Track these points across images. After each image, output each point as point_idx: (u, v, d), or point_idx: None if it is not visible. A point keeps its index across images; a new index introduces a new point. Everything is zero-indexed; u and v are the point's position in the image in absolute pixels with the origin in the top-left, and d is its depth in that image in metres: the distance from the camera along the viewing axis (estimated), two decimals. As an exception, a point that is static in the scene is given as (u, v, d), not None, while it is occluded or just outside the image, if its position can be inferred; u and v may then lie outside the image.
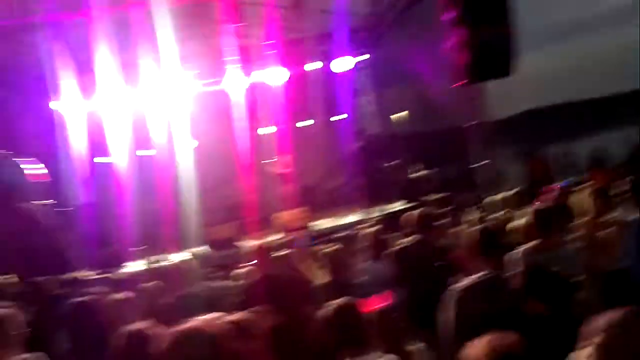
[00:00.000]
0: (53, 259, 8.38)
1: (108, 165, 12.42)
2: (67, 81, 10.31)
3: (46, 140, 11.32)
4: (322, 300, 4.85)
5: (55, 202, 10.74)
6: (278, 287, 4.65)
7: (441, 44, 10.57)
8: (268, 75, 12.38)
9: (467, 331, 3.29)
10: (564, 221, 4.95)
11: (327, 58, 13.10)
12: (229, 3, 11.75)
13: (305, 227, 10.79)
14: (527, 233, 4.75)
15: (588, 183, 6.58)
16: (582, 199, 5.77)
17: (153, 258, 9.98)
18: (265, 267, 5.00)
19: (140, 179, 10.80)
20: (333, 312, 3.13)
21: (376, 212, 10.81)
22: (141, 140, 11.51)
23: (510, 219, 5.51)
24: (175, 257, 10.33)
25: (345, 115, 14.45)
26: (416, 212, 5.49)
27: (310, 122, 15.08)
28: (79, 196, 10.90)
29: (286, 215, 11.50)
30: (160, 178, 10.95)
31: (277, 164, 12.35)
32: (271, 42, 12.50)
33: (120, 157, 10.78)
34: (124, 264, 9.46)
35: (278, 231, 10.92)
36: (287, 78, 12.58)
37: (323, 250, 6.59)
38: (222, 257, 8.01)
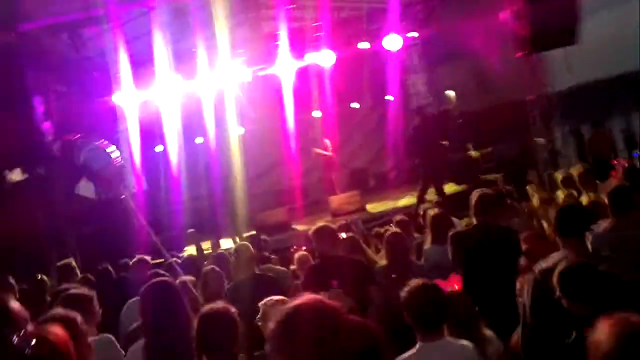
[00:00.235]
0: (112, 243, 8.50)
1: (162, 153, 12.57)
2: (125, 73, 10.40)
3: (105, 131, 11.50)
4: (383, 283, 4.70)
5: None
6: (340, 269, 4.51)
7: (498, 14, 10.11)
8: (318, 57, 12.15)
9: (549, 316, 3.05)
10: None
11: (377, 37, 12.72)
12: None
13: (357, 211, 10.58)
14: (601, 211, 4.43)
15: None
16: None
17: (207, 243, 10.04)
18: (325, 250, 4.79)
19: (193, 166, 10.83)
20: (415, 292, 2.95)
21: (431, 194, 10.48)
22: (193, 128, 11.53)
23: (580, 197, 5.14)
24: (227, 243, 10.45)
25: (393, 97, 14.12)
26: (475, 194, 5.10)
27: (361, 104, 14.80)
28: (136, 184, 11.03)
29: (337, 199, 11.33)
30: (212, 165, 10.96)
31: (327, 147, 12.14)
32: (320, 23, 12.25)
33: (173, 145, 10.83)
34: (179, 249, 9.52)
35: (329, 215, 10.79)
36: (336, 60, 12.32)
37: (380, 233, 6.39)
38: (275, 241, 7.90)
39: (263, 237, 7.39)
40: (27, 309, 1.90)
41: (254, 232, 8.05)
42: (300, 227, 10.80)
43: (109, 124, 10.97)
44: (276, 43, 11.57)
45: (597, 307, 2.69)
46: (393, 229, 5.86)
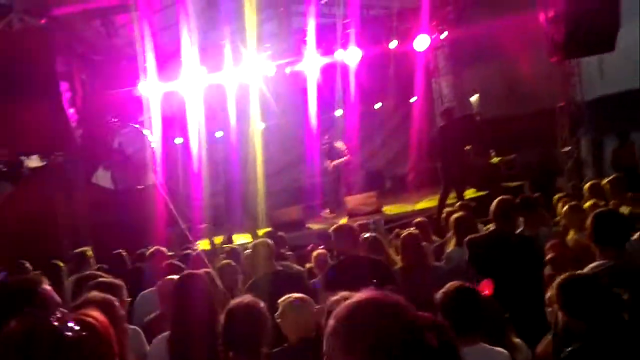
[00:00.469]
0: (128, 233, 8.46)
1: (182, 146, 12.54)
2: (152, 63, 10.38)
3: (127, 120, 11.51)
4: (401, 284, 4.56)
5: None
6: (360, 269, 4.39)
7: (531, 17, 9.89)
8: (344, 55, 12.02)
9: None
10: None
11: (405, 37, 12.55)
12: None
13: (374, 212, 10.43)
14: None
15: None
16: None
17: (223, 237, 9.96)
18: (345, 249, 4.67)
19: (212, 160, 10.77)
20: (452, 294, 2.81)
21: (451, 198, 10.28)
22: (214, 121, 11.47)
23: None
24: (240, 238, 10.37)
25: (417, 98, 13.92)
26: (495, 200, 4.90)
27: (384, 104, 14.63)
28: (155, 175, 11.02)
29: (354, 200, 11.20)
30: (230, 159, 10.89)
31: (341, 151, 11.96)
32: (349, 20, 12.13)
33: (194, 138, 10.78)
34: (194, 242, 9.45)
35: (346, 215, 10.66)
36: (362, 58, 12.17)
37: (400, 235, 6.24)
38: (289, 239, 7.79)
39: (280, 234, 7.28)
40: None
41: (270, 229, 7.95)
42: (315, 226, 10.71)
43: (132, 113, 10.94)
44: (304, 39, 11.45)
45: (591, 325, 2.64)
46: (412, 230, 5.70)
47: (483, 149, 11.89)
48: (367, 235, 5.24)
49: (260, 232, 8.53)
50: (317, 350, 3.06)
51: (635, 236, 4.01)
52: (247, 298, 2.89)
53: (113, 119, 10.47)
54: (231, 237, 10.24)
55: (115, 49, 10.01)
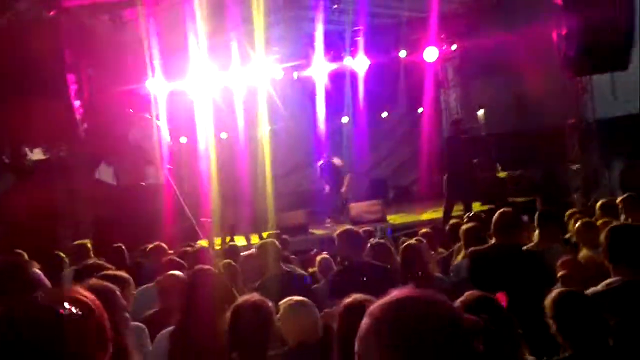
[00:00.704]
0: (128, 229, 8.37)
1: (187, 145, 12.46)
2: (159, 60, 10.32)
3: (130, 123, 11.45)
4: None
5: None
6: (366, 276, 4.29)
7: (543, 32, 9.83)
8: (353, 62, 11.97)
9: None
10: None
11: (414, 47, 12.51)
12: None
13: (377, 220, 10.32)
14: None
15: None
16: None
17: (225, 237, 9.85)
18: (350, 254, 4.56)
19: (219, 161, 10.67)
20: (471, 303, 2.68)
21: (456, 211, 10.17)
22: (220, 122, 11.39)
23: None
24: (243, 240, 10.27)
25: (424, 109, 13.85)
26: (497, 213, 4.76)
27: (390, 113, 14.56)
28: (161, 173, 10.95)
29: (358, 207, 11.10)
30: (236, 161, 10.80)
31: (338, 165, 11.85)
32: (358, 28, 12.09)
33: (202, 138, 10.70)
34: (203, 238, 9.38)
35: (349, 222, 10.53)
36: (370, 66, 12.12)
37: (404, 244, 6.13)
38: (293, 243, 7.68)
39: (284, 236, 7.17)
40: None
41: (275, 231, 7.85)
42: (317, 232, 10.61)
43: (138, 110, 10.87)
44: (313, 44, 11.40)
45: (577, 346, 2.69)
46: (417, 240, 5.60)
47: (489, 162, 11.80)
48: (373, 240, 5.13)
49: (264, 234, 8.43)
50: (316, 356, 2.96)
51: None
52: (254, 296, 2.77)
53: (129, 110, 10.39)
54: (233, 238, 10.13)
55: (123, 44, 9.93)
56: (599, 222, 5.40)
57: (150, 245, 6.35)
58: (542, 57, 10.67)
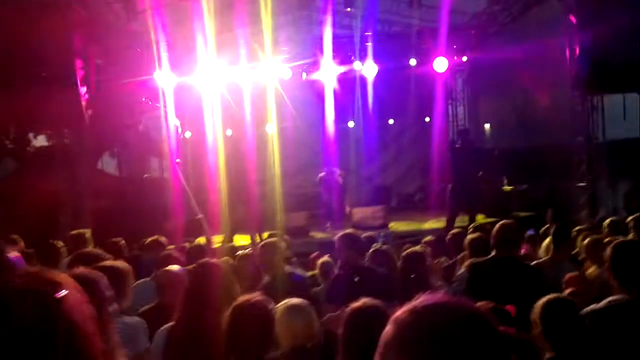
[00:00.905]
0: (129, 221, 8.29)
1: (192, 140, 12.39)
2: (169, 53, 10.27)
3: (140, 109, 11.39)
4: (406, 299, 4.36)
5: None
6: (366, 281, 4.21)
7: (556, 50, 9.79)
8: (362, 67, 11.92)
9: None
10: None
11: (424, 56, 12.46)
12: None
13: (380, 227, 10.24)
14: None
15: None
16: None
17: (224, 236, 9.76)
18: (351, 258, 4.48)
19: (224, 157, 10.60)
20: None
21: (459, 221, 10.09)
22: (228, 118, 11.33)
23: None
24: (243, 239, 10.19)
25: (430, 119, 13.79)
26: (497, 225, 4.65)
27: (397, 120, 14.51)
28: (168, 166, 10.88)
29: (361, 212, 11.01)
30: (242, 157, 10.72)
31: (337, 178, 11.76)
32: (369, 34, 12.04)
33: (209, 133, 10.63)
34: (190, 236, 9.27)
35: (351, 227, 10.44)
36: (379, 73, 12.06)
37: (407, 250, 6.05)
38: (292, 245, 7.59)
39: (285, 237, 7.08)
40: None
41: (277, 231, 7.76)
42: (318, 235, 10.52)
43: (146, 104, 10.81)
44: (322, 47, 11.35)
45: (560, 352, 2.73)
46: (422, 247, 5.51)
47: (495, 175, 11.73)
48: (376, 246, 5.05)
49: (265, 234, 8.34)
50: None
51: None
52: (255, 296, 2.64)
53: (142, 98, 10.33)
54: (232, 237, 10.05)
55: (134, 34, 9.87)
56: (606, 240, 5.31)
57: (150, 239, 6.26)
58: (552, 74, 10.62)
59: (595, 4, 8.54)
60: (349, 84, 12.54)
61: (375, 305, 2.48)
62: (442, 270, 5.97)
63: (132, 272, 3.30)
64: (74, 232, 6.39)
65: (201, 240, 9.39)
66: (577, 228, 6.36)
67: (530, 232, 6.92)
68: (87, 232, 6.25)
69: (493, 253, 4.41)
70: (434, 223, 10.58)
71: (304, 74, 12.08)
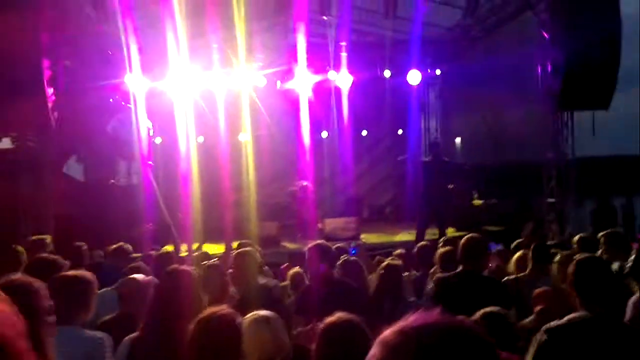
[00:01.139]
0: (95, 228, 8.05)
1: (162, 145, 12.16)
2: (140, 56, 10.06)
3: (110, 112, 11.14)
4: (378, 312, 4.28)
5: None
6: (338, 294, 4.12)
7: (527, 66, 9.94)
8: (336, 77, 11.89)
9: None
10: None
11: (398, 68, 12.52)
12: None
13: (351, 238, 10.17)
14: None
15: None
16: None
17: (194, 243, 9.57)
18: (322, 270, 4.38)
19: (193, 165, 10.42)
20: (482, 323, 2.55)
21: (429, 234, 10.10)
22: (200, 125, 11.15)
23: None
24: (214, 248, 9.99)
25: (403, 131, 13.83)
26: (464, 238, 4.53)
27: (370, 132, 14.52)
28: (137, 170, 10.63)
29: (333, 223, 10.93)
30: (214, 165, 10.56)
31: (305, 190, 11.70)
32: (343, 44, 12.03)
33: (180, 139, 10.44)
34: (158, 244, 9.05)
35: (323, 238, 10.34)
36: (353, 83, 12.05)
37: (380, 262, 5.99)
38: (265, 255, 7.44)
39: (256, 247, 6.93)
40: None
41: (248, 241, 7.60)
42: (289, 246, 10.40)
43: (115, 105, 10.56)
44: (297, 55, 11.28)
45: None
46: (394, 260, 5.44)
47: (466, 189, 11.80)
48: (345, 257, 4.97)
49: (234, 244, 8.16)
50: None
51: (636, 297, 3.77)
52: (223, 309, 2.50)
53: (111, 98, 10.06)
54: (201, 246, 9.84)
55: (104, 36, 9.63)
56: (577, 257, 5.33)
57: (113, 246, 6.07)
58: (523, 89, 10.77)
59: (567, 22, 8.69)
60: (323, 93, 12.49)
61: (351, 320, 2.39)
62: (411, 283, 5.93)
63: (95, 282, 3.13)
64: (33, 237, 6.16)
65: (169, 248, 9.19)
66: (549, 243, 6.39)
67: (498, 247, 6.96)
68: (48, 238, 6.03)
69: (459, 268, 4.40)
70: (406, 235, 10.57)
71: (279, 83, 12.00)
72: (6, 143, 9.89)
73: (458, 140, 14.81)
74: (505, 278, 5.00)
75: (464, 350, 0.94)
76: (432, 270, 5.75)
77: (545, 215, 10.01)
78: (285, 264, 6.67)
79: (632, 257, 5.29)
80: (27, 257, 5.46)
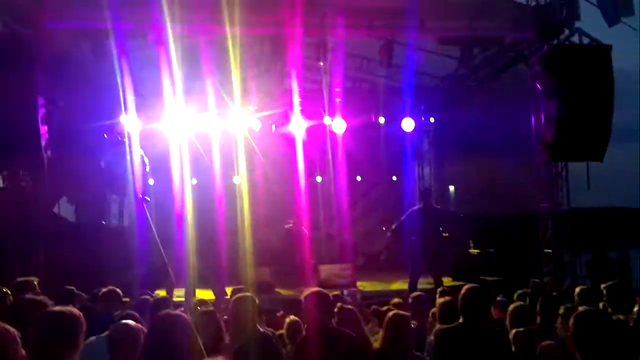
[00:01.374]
0: (82, 271, 7.86)
1: (154, 188, 12.05)
2: (135, 97, 10.07)
3: (103, 152, 11.08)
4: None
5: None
6: (337, 346, 3.96)
7: (521, 116, 10.03)
8: (331, 122, 11.96)
9: None
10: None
11: (392, 115, 12.62)
12: (304, 45, 11.41)
13: (347, 285, 9.98)
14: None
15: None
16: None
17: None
18: (319, 319, 4.22)
19: (188, 207, 10.29)
20: None
21: (422, 283, 9.94)
22: (195, 168, 11.08)
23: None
24: (202, 293, 9.76)
25: (397, 178, 13.83)
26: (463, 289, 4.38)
27: (364, 177, 14.51)
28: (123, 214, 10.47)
29: (328, 269, 10.76)
30: (208, 208, 10.42)
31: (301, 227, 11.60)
32: (338, 90, 12.14)
33: (175, 181, 10.34)
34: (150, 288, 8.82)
35: (317, 284, 10.16)
36: (348, 129, 12.11)
37: (379, 312, 5.84)
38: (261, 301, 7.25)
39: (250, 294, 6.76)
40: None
41: (242, 286, 7.42)
42: (283, 292, 10.19)
43: (110, 140, 10.49)
44: (292, 100, 11.36)
45: None
46: (398, 311, 5.28)
47: (461, 238, 11.71)
48: (340, 305, 4.81)
49: (228, 290, 7.98)
50: None
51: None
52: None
53: (105, 134, 10.00)
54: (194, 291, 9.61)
55: (102, 74, 9.64)
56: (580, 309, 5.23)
57: (104, 290, 5.88)
58: (518, 139, 10.83)
59: (560, 74, 8.82)
60: (318, 138, 12.53)
61: None
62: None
63: (83, 320, 2.96)
64: (19, 279, 5.96)
65: (161, 293, 8.96)
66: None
67: (500, 298, 6.82)
68: (35, 280, 5.84)
69: (460, 320, 4.23)
70: (402, 284, 10.38)
71: (274, 126, 12.04)
72: (-2, 181, 9.77)
73: (451, 188, 14.82)
74: (515, 331, 4.84)
75: None
76: (429, 320, 5.62)
77: (543, 266, 9.91)
78: (281, 312, 6.48)
79: (636, 309, 5.21)
80: (12, 298, 5.28)
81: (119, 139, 10.12)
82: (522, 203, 11.24)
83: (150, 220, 9.70)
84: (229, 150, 11.18)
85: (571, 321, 3.24)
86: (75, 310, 2.87)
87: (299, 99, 11.34)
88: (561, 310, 5.00)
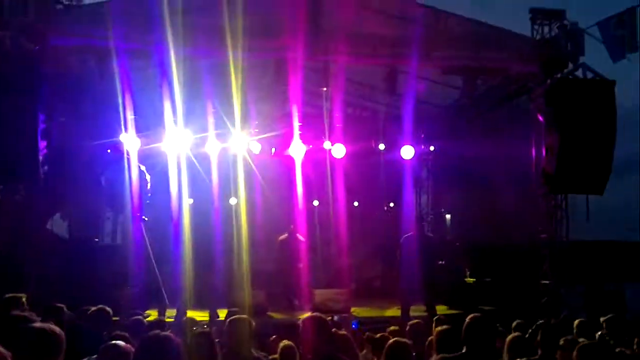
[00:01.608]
0: (73, 288, 7.74)
1: (149, 206, 11.96)
2: (137, 115, 10.08)
3: (102, 170, 11.04)
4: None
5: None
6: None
7: (522, 147, 10.03)
8: (330, 147, 11.96)
9: None
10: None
11: (391, 141, 12.63)
12: (306, 70, 11.48)
13: (341, 311, 9.84)
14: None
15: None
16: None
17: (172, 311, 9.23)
18: (316, 345, 4.12)
19: (185, 227, 10.22)
20: None
21: (415, 310, 9.82)
22: (193, 188, 11.04)
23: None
24: (194, 314, 9.61)
25: (394, 204, 13.77)
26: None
27: (361, 203, 14.44)
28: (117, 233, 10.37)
29: (323, 294, 10.62)
30: (201, 229, 10.33)
31: (304, 239, 11.54)
32: (338, 115, 12.16)
33: (173, 201, 10.29)
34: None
35: (311, 309, 10.02)
36: (346, 155, 12.10)
37: (372, 339, 5.73)
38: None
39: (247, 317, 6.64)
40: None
41: (236, 309, 7.29)
42: (276, 316, 10.04)
43: (111, 156, 10.46)
44: (292, 124, 11.37)
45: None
46: (396, 337, 5.18)
47: (457, 267, 11.62)
48: (335, 331, 4.71)
49: (221, 312, 7.84)
50: None
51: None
52: None
53: (109, 149, 9.96)
54: (185, 311, 9.47)
55: (105, 93, 9.65)
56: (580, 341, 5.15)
57: (93, 309, 5.76)
58: (517, 170, 10.82)
59: (563, 107, 8.84)
60: (318, 162, 12.51)
61: None
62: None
63: (64, 337, 2.86)
64: (7, 295, 5.84)
65: (153, 312, 8.84)
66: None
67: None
68: (23, 296, 5.73)
69: (464, 349, 4.14)
70: (396, 311, 10.26)
71: (273, 149, 12.03)
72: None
73: (448, 216, 14.76)
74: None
75: None
76: (427, 349, 5.50)
77: (540, 297, 9.82)
78: (274, 336, 6.35)
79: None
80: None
81: (121, 156, 10.09)
82: (520, 234, 11.18)
83: (146, 239, 9.60)
84: (227, 172, 11.13)
85: (575, 353, 3.19)
86: (56, 328, 2.80)
87: (299, 123, 11.34)
88: (561, 342, 4.93)
